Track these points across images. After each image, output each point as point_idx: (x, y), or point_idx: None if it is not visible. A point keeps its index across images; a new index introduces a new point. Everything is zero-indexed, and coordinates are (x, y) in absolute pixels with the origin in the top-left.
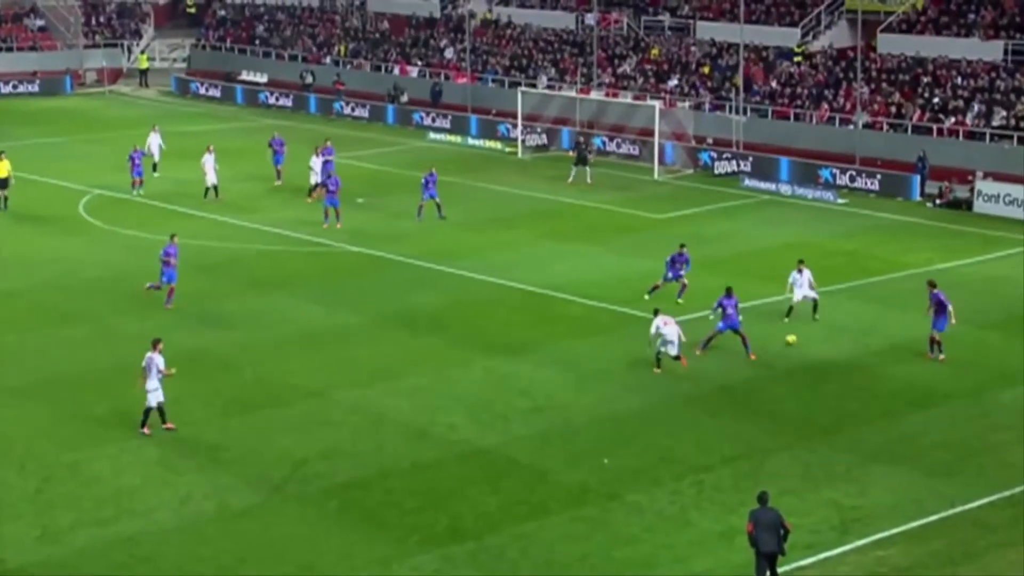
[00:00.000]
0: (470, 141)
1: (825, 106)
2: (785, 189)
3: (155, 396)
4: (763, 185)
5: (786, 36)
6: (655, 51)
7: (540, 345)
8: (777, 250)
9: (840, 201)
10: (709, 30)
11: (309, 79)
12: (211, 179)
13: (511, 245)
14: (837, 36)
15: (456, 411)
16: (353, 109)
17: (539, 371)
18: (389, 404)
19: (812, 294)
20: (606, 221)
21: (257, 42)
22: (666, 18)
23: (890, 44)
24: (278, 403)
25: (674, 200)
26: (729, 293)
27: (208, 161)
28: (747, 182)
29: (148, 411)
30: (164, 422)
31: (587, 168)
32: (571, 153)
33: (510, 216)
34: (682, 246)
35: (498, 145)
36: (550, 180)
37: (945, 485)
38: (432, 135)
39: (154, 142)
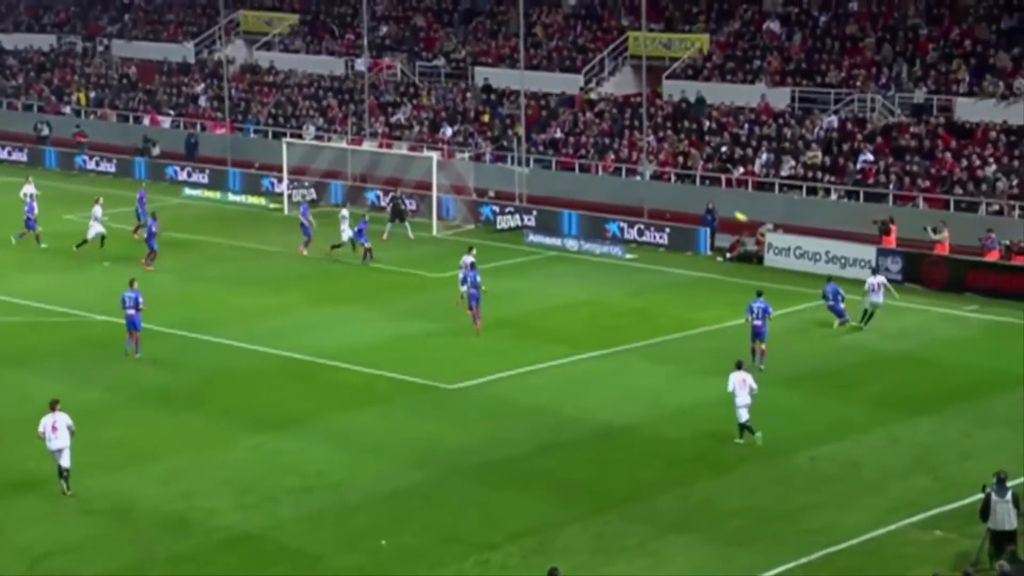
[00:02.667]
0: (231, 197)
1: (611, 156)
2: (572, 244)
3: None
4: (549, 240)
5: (568, 82)
6: (427, 98)
7: (311, 418)
8: (565, 309)
9: (628, 256)
10: (487, 76)
11: (45, 131)
12: (96, 229)
13: (279, 310)
14: (621, 83)
15: (218, 495)
16: (98, 163)
17: (310, 447)
18: (142, 490)
19: (880, 300)
20: (382, 281)
21: None
22: (441, 63)
23: (676, 90)
24: (15, 492)
25: (455, 257)
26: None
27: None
28: (532, 237)
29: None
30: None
31: (406, 223)
32: (386, 208)
33: (277, 278)
34: (759, 294)
35: (262, 201)
36: (321, 239)
37: (743, 554)
38: (188, 191)
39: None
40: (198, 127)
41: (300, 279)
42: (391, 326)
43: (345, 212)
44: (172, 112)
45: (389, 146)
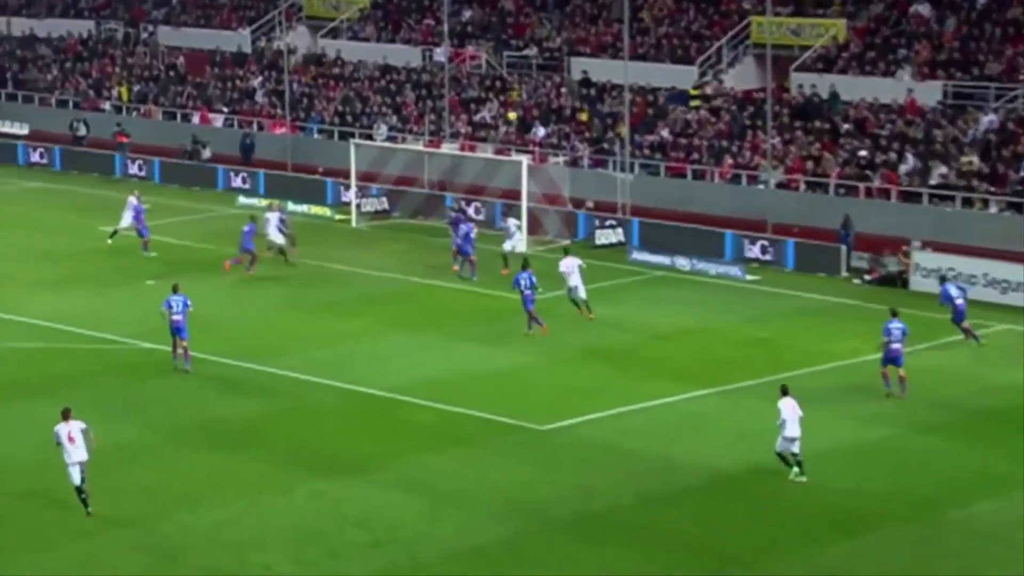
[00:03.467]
0: (291, 206)
1: (729, 160)
2: (682, 263)
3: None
4: (655, 258)
5: (681, 76)
6: (516, 93)
7: (381, 462)
8: (673, 338)
9: (749, 277)
10: (586, 68)
11: (82, 130)
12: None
13: (346, 337)
14: (742, 76)
15: (273, 548)
16: (140, 167)
17: (379, 495)
18: (186, 541)
19: None
20: (463, 305)
21: (11, 84)
22: (533, 53)
23: (806, 84)
24: (37, 546)
25: (546, 278)
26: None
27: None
28: (636, 255)
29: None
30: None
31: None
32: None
33: (344, 301)
34: (894, 313)
35: (326, 211)
36: (393, 254)
37: None
38: (243, 199)
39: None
40: (254, 126)
41: (369, 301)
42: (474, 356)
43: (269, 215)
44: (225, 109)
45: (472, 149)
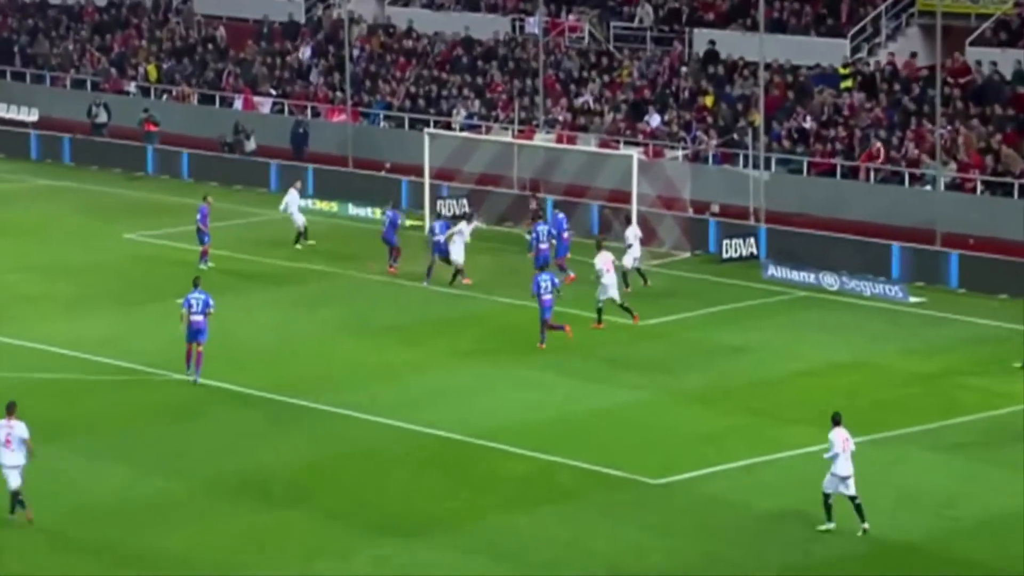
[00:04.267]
0: (352, 209)
1: (877, 145)
2: (830, 281)
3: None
4: (796, 275)
5: (828, 50)
6: (625, 72)
7: (460, 521)
8: (817, 374)
9: (914, 300)
10: (712, 40)
11: (102, 116)
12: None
13: (416, 368)
14: (905, 50)
15: None
16: (172, 162)
17: (458, 560)
18: None
19: None
20: (559, 332)
21: (19, 60)
22: (647, 22)
23: (984, 61)
24: None
25: (661, 299)
26: None
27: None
28: (772, 270)
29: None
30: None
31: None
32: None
33: (414, 324)
34: None
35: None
36: (474, 268)
37: None
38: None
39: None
40: (308, 112)
41: (444, 325)
42: (571, 393)
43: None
44: (273, 91)
45: (572, 140)
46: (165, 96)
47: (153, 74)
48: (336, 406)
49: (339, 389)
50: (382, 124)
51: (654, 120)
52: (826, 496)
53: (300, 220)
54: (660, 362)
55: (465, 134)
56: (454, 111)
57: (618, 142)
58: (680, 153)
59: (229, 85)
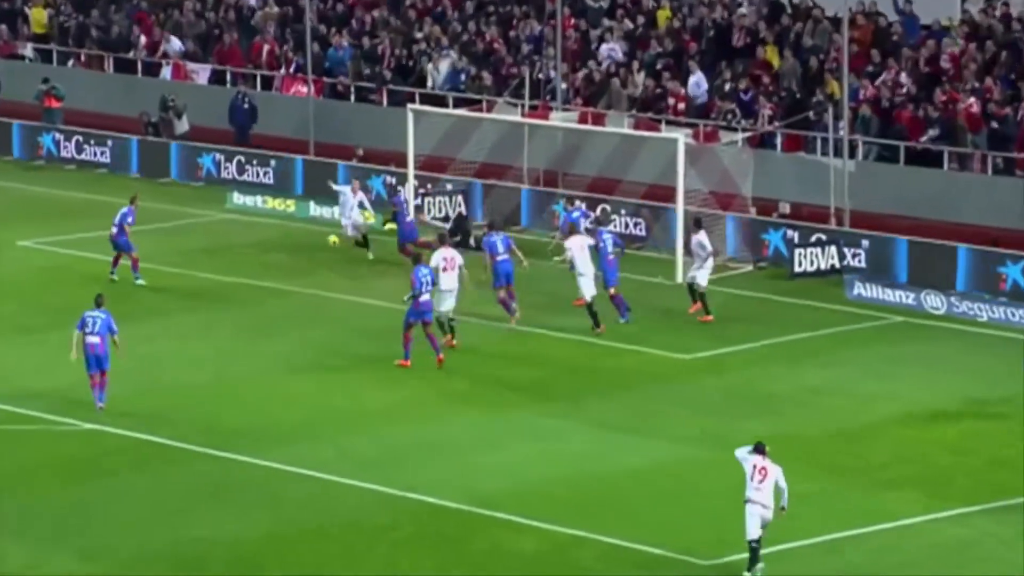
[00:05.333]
0: (313, 209)
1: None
2: (934, 302)
3: None
4: (891, 295)
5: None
6: (664, 15)
7: None
8: (919, 421)
9: None
10: None
11: None
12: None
13: (396, 414)
14: None
15: None
16: (80, 147)
17: None
18: None
19: None
20: (582, 364)
21: None
22: None
23: None
24: None
25: (714, 325)
26: None
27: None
28: (859, 289)
29: None
30: None
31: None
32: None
33: (393, 357)
34: None
35: (368, 217)
36: (470, 285)
37: None
38: (238, 197)
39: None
40: (256, 82)
41: (430, 358)
42: (596, 447)
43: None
44: (208, 57)
45: (599, 120)
46: (71, 62)
47: (39, 23)
48: (292, 464)
49: (296, 441)
50: (353, 99)
51: (700, 85)
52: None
53: (350, 225)
54: (711, 406)
55: (460, 111)
56: (429, 66)
57: (659, 121)
58: (739, 136)
59: (149, 42)
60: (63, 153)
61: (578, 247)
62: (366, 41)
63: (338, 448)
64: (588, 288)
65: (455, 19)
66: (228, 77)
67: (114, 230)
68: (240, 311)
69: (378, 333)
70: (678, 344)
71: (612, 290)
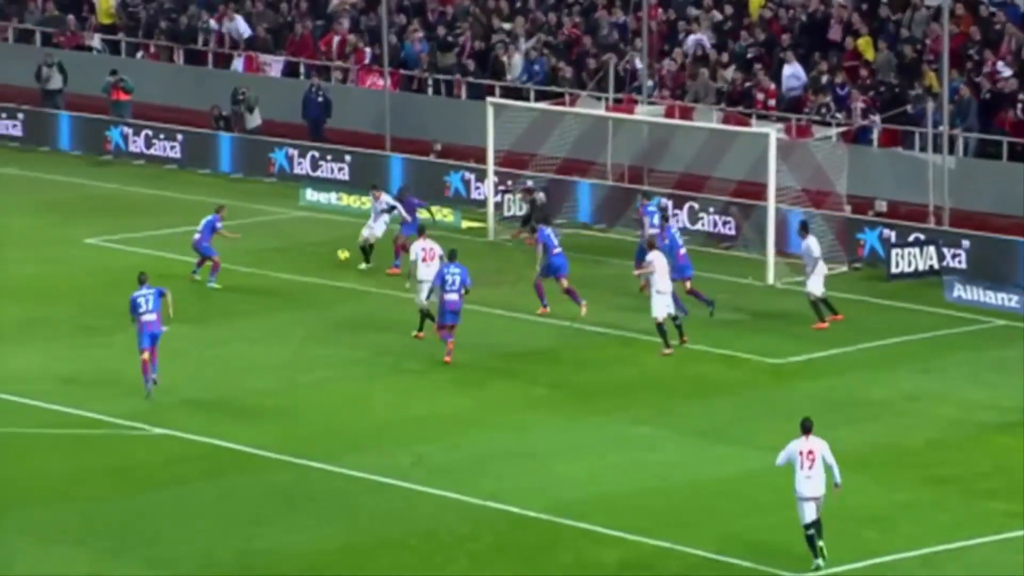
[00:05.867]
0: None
1: None
2: None
3: None
4: (993, 298)
5: None
6: (759, 1)
7: None
8: (1022, 435)
9: None
10: None
11: (56, 80)
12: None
13: (475, 420)
14: None
15: None
16: (149, 142)
17: None
18: None
19: None
20: (670, 369)
21: None
22: None
23: None
24: None
25: (806, 328)
26: None
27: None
28: (958, 291)
29: None
30: None
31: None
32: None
33: (472, 360)
34: None
35: (448, 215)
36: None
37: None
38: (311, 194)
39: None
40: (332, 76)
41: (511, 362)
42: (684, 456)
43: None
44: (283, 51)
45: (686, 113)
46: (140, 53)
47: (105, 15)
48: (368, 471)
49: (371, 448)
50: (431, 91)
51: (799, 76)
52: (804, 528)
53: (368, 232)
54: (804, 413)
55: (542, 105)
56: (512, 64)
57: (748, 115)
58: (834, 131)
59: (216, 39)
60: (131, 148)
61: (660, 263)
62: (443, 31)
63: (413, 455)
64: (662, 308)
65: (535, 9)
66: (301, 69)
67: (197, 236)
68: (314, 313)
69: (460, 333)
70: (769, 348)
71: (688, 284)
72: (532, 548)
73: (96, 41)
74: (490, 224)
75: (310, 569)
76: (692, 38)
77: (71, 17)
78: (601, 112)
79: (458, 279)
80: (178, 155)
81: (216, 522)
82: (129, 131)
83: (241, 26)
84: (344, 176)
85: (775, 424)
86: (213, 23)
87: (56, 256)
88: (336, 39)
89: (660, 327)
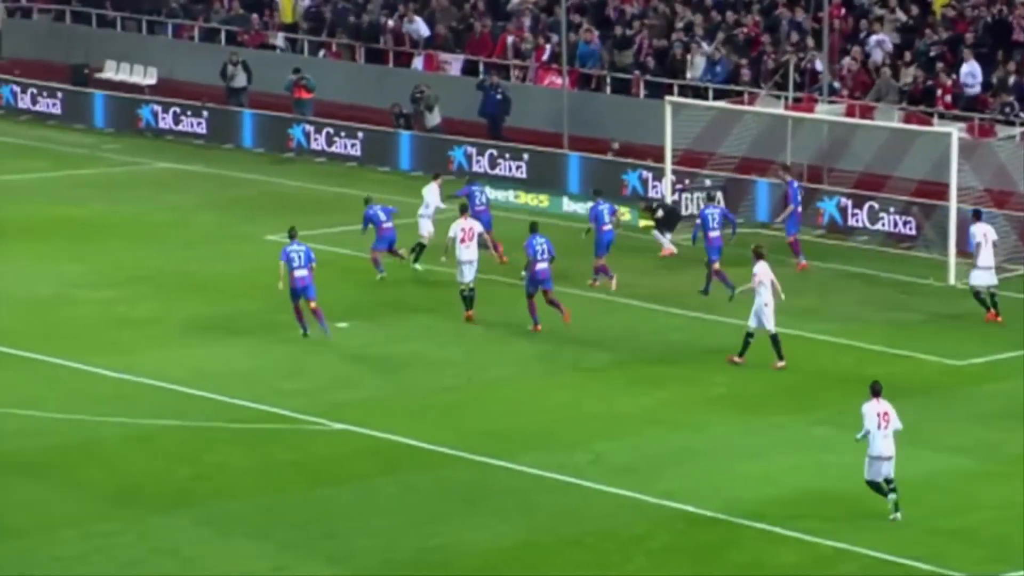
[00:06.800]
0: (567, 206)
1: None
2: None
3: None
4: None
5: None
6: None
7: None
8: None
9: None
10: None
11: (240, 79)
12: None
13: (652, 419)
14: None
15: None
16: (330, 140)
17: None
18: None
19: None
20: (849, 370)
21: (129, 3)
22: None
23: None
24: None
25: (993, 331)
26: None
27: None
28: None
29: None
30: None
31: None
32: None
33: (649, 359)
34: None
35: (625, 215)
36: (738, 284)
37: None
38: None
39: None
40: (511, 73)
41: (688, 360)
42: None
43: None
44: (459, 50)
45: (866, 112)
46: (323, 52)
47: (288, 13)
48: (546, 469)
49: (548, 446)
50: (609, 91)
51: (975, 74)
52: (872, 485)
53: (426, 229)
54: (987, 415)
55: (721, 104)
56: (691, 62)
57: (930, 114)
58: (1017, 131)
59: (398, 26)
60: (313, 145)
61: (766, 275)
62: (620, 30)
63: (591, 454)
64: (766, 320)
65: (714, 7)
66: (480, 68)
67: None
68: (491, 309)
69: (633, 335)
70: (950, 350)
71: (716, 265)
72: (708, 547)
73: (279, 40)
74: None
75: (488, 566)
76: (874, 38)
77: (255, 16)
78: (781, 111)
79: (546, 248)
80: (358, 153)
81: (395, 518)
82: (311, 129)
83: (421, 27)
84: (522, 174)
85: (956, 426)
86: (390, 22)
87: (239, 252)
88: (510, 39)
89: (748, 336)
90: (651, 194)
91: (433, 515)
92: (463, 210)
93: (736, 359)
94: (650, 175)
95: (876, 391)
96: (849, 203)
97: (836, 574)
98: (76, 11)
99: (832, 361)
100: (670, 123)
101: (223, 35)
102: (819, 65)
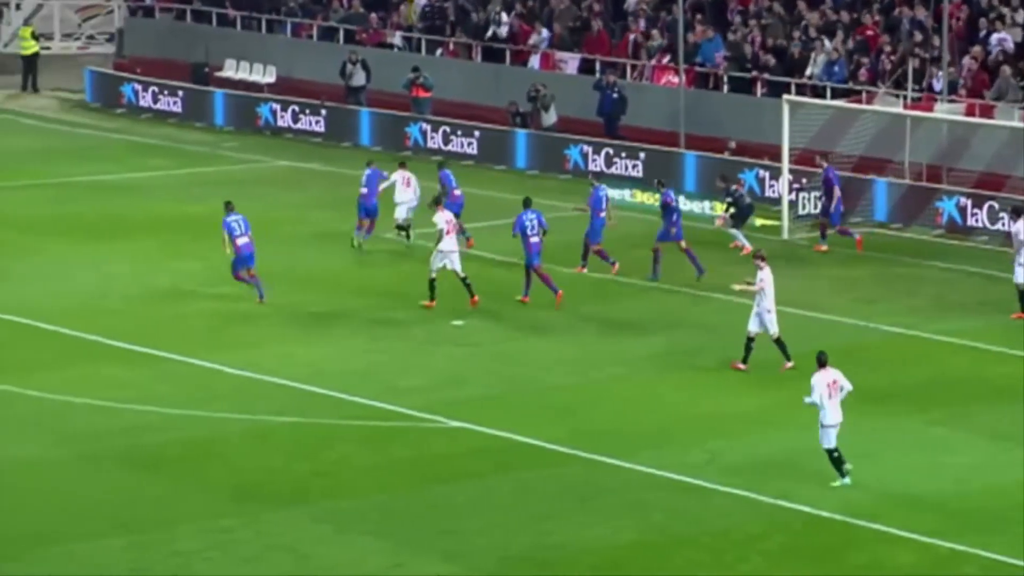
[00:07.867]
0: (683, 204)
1: None
2: None
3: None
4: None
5: None
6: None
7: None
8: None
9: None
10: None
11: (359, 77)
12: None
13: (767, 419)
14: None
15: None
16: (447, 138)
17: None
18: None
19: None
20: (968, 370)
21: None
22: None
23: None
24: None
25: None
26: None
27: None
28: None
29: None
30: None
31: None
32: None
33: (764, 359)
34: None
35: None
36: (848, 283)
37: None
38: (607, 191)
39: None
40: (627, 72)
41: (803, 360)
42: (988, 459)
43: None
44: (577, 49)
45: (986, 112)
46: (440, 51)
47: (411, 15)
48: (660, 468)
49: (663, 445)
50: (727, 89)
51: None
52: (831, 455)
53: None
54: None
55: (839, 102)
56: (813, 64)
57: None
58: None
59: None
60: (430, 144)
61: (770, 280)
62: (739, 30)
63: (706, 453)
64: (769, 324)
65: (833, 6)
66: (596, 67)
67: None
68: (604, 308)
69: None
70: None
71: (683, 243)
72: (825, 548)
73: (397, 39)
74: (784, 222)
75: (604, 565)
76: (996, 36)
77: (373, 15)
78: (899, 110)
79: (536, 222)
80: (475, 151)
81: (510, 516)
82: (428, 128)
83: (544, 35)
84: (638, 173)
85: None
86: (503, 15)
87: (352, 249)
88: (631, 37)
89: (750, 341)
90: (767, 193)
91: (548, 513)
92: (437, 202)
93: (740, 366)
94: (767, 174)
95: (822, 361)
96: (969, 203)
97: (954, 575)
98: (197, 10)
99: (950, 362)
100: (787, 122)
101: (341, 34)
102: (939, 63)
